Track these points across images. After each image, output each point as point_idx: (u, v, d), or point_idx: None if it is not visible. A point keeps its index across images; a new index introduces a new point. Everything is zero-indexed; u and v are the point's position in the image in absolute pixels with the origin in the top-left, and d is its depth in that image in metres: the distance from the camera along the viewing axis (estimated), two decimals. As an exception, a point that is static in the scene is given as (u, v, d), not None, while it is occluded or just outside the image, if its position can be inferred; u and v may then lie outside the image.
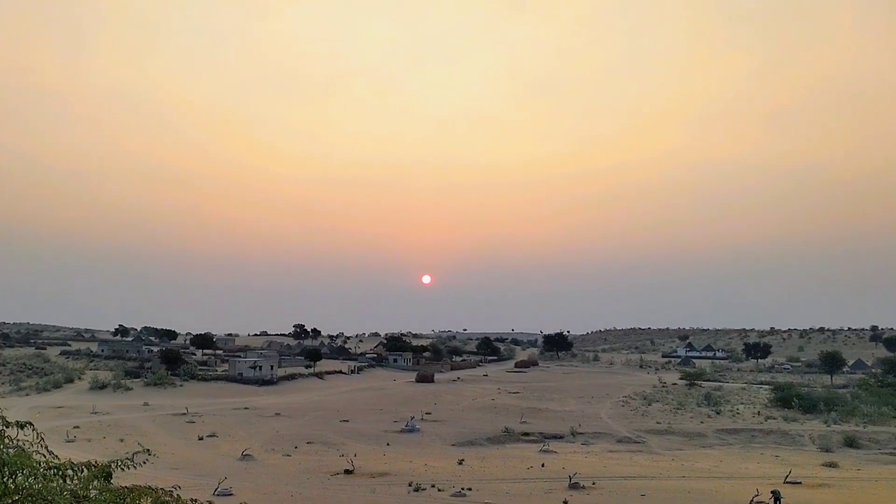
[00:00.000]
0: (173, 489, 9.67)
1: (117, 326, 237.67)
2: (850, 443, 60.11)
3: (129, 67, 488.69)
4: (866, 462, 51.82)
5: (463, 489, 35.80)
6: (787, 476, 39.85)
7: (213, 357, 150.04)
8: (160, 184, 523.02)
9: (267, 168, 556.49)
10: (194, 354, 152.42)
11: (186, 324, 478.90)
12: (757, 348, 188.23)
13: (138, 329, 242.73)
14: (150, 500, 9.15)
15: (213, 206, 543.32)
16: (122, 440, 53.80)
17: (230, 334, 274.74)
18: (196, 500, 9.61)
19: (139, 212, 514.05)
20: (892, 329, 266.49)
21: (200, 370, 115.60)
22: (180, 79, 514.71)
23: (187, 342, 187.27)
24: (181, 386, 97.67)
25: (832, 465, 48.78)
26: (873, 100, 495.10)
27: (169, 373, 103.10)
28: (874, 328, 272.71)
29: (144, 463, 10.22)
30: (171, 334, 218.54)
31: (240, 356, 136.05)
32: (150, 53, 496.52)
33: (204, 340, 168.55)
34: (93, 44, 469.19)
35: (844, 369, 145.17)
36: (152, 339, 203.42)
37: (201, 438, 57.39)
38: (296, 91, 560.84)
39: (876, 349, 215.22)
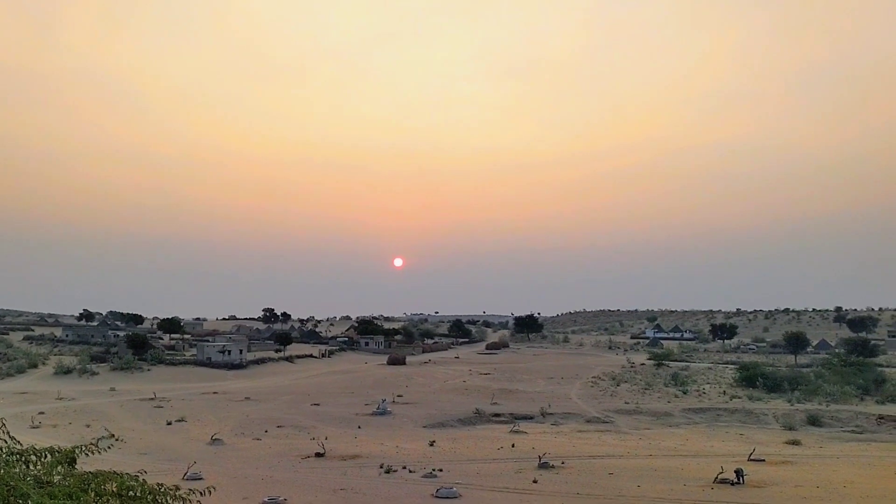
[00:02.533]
0: (139, 474, 9.57)
1: (82, 311, 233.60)
2: (813, 421, 61.63)
3: (97, 48, 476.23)
4: (828, 440, 53.16)
5: (434, 470, 35.98)
6: (751, 454, 40.74)
7: (180, 342, 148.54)
8: (126, 165, 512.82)
9: (236, 149, 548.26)
10: (161, 339, 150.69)
11: (153, 308, 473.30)
12: (723, 329, 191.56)
13: (104, 314, 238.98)
14: (115, 484, 9.05)
15: (180, 188, 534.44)
16: (88, 426, 53.09)
17: (198, 319, 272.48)
18: (162, 485, 9.50)
19: (105, 194, 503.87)
20: (855, 310, 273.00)
21: (168, 355, 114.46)
22: (148, 59, 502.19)
23: (154, 327, 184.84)
24: (148, 371, 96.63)
25: (795, 442, 49.96)
26: (850, 85, 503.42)
27: (136, 358, 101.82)
28: (838, 309, 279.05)
29: (110, 448, 10.09)
30: (138, 319, 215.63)
31: (208, 340, 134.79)
32: (120, 34, 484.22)
33: (171, 325, 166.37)
34: (61, 23, 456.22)
35: (808, 349, 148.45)
36: (118, 323, 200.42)
37: (170, 423, 56.88)
38: (266, 71, 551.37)
39: (839, 330, 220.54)
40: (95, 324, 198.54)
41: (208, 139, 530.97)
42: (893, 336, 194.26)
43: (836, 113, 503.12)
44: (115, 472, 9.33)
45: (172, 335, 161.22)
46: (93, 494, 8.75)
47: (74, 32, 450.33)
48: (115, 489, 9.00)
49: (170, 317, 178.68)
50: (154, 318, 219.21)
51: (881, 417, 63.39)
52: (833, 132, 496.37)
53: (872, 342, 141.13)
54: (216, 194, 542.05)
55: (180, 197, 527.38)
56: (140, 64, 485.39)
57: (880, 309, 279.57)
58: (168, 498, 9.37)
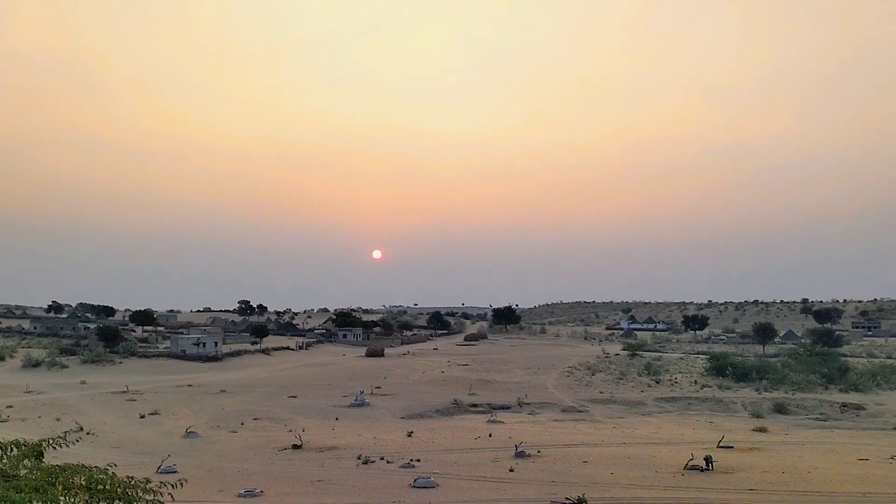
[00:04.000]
0: (108, 467, 9.56)
1: (51, 303, 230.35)
2: (780, 409, 62.86)
3: (58, 32, 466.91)
4: (794, 427, 54.33)
5: (412, 460, 36.20)
6: (721, 441, 41.50)
7: (153, 334, 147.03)
8: (95, 156, 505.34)
9: (208, 141, 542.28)
10: (134, 331, 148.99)
11: (125, 300, 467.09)
12: (695, 320, 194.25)
13: (73, 305, 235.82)
14: (83, 478, 9.03)
15: (150, 179, 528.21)
16: (58, 419, 52.46)
17: (172, 311, 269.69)
18: (132, 478, 9.51)
19: (72, 184, 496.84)
20: (821, 302, 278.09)
21: (141, 347, 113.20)
22: (112, 46, 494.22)
23: (126, 319, 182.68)
24: (120, 363, 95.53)
25: (762, 430, 50.96)
26: (815, 82, 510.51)
27: (107, 350, 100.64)
28: (805, 301, 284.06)
29: (79, 441, 10.08)
30: (109, 311, 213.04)
31: (182, 333, 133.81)
32: (81, 18, 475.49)
33: (144, 317, 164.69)
34: (16, 6, 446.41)
35: (776, 340, 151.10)
36: (88, 315, 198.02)
37: (143, 416, 56.40)
38: (237, 59, 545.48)
39: (806, 321, 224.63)
40: (65, 316, 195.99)
41: (178, 129, 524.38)
42: (857, 327, 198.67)
43: (806, 110, 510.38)
44: (83, 466, 9.30)
45: (145, 327, 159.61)
46: (60, 488, 8.70)
47: (34, 16, 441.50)
48: (83, 482, 8.98)
49: (142, 309, 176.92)
50: (126, 310, 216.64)
51: (844, 405, 64.87)
52: (803, 129, 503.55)
53: (837, 333, 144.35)
54: (189, 185, 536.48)
55: (152, 188, 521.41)
56: (104, 50, 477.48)
57: (845, 301, 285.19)
58: (138, 491, 9.35)
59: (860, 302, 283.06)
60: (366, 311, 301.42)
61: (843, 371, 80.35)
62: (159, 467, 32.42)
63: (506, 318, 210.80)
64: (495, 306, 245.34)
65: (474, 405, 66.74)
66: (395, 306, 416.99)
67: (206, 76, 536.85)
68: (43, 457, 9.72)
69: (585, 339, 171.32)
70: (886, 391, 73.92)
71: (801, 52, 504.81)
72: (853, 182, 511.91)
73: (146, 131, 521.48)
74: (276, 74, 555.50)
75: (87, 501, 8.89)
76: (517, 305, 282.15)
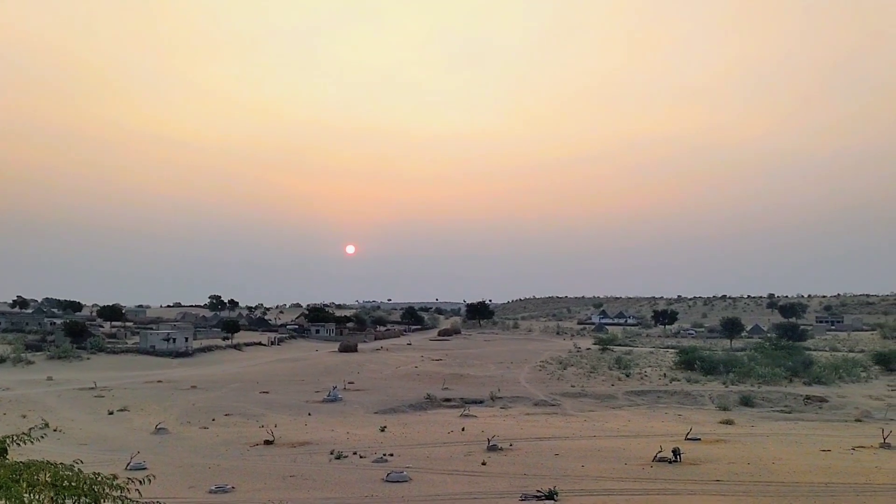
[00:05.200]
0: (74, 463, 9.46)
1: (15, 297, 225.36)
2: (746, 402, 63.88)
3: (26, 24, 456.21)
4: (759, 419, 55.36)
5: (385, 455, 36.26)
6: (688, 433, 42.13)
7: (122, 329, 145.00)
8: (60, 149, 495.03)
9: (177, 134, 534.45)
10: (102, 327, 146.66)
11: (92, 295, 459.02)
12: (665, 315, 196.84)
13: (39, 300, 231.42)
14: (48, 474, 8.93)
15: (118, 173, 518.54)
16: (24, 416, 51.55)
17: (141, 306, 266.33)
18: (99, 474, 9.42)
19: (38, 177, 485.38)
20: (786, 297, 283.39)
21: (109, 343, 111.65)
22: (80, 39, 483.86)
23: (94, 314, 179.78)
24: (88, 359, 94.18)
25: (729, 422, 51.80)
26: (785, 82, 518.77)
27: (74, 346, 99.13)
28: (771, 296, 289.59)
29: (44, 437, 9.96)
30: (76, 306, 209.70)
31: (152, 328, 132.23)
32: (50, 11, 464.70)
33: (112, 312, 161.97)
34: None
35: (743, 334, 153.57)
36: (55, 310, 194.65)
37: (111, 413, 55.68)
38: (207, 53, 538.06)
39: (772, 315, 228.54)
40: (30, 311, 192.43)
41: (146, 124, 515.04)
42: (821, 321, 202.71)
43: (776, 112, 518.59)
44: (48, 462, 9.20)
45: (113, 323, 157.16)
46: (25, 485, 8.61)
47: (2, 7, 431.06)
48: (48, 479, 8.88)
49: (110, 304, 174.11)
50: (93, 306, 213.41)
51: (808, 398, 66.15)
52: (771, 130, 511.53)
53: (802, 327, 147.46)
54: (158, 179, 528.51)
55: (120, 182, 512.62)
56: (72, 42, 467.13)
57: (809, 296, 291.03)
58: (105, 487, 9.27)
59: (824, 297, 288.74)
60: (339, 307, 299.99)
61: (807, 364, 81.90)
62: (128, 464, 32.07)
63: (479, 313, 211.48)
64: (469, 301, 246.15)
65: (447, 400, 66.94)
66: (369, 301, 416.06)
67: (176, 70, 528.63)
68: (7, 454, 9.58)
69: (557, 333, 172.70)
70: (848, 384, 75.50)
71: (775, 56, 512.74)
72: (819, 182, 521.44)
73: (113, 125, 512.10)
74: (248, 68, 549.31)
75: (52, 498, 8.80)
76: (490, 301, 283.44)
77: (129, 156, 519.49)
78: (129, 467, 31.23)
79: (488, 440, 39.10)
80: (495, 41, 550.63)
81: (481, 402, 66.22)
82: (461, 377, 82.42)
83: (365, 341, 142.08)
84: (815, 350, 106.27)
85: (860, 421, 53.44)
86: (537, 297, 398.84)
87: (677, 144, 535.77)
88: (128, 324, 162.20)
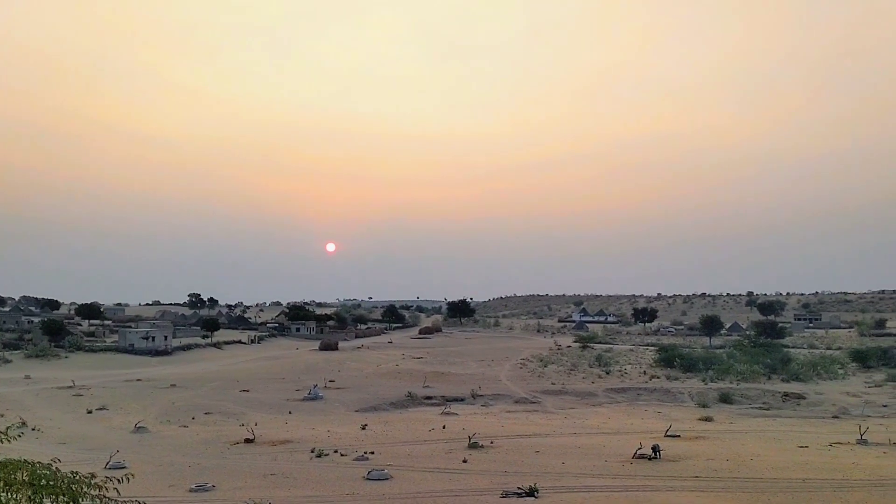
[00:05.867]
0: (52, 462, 9.37)
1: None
2: (725, 399, 64.53)
3: None
4: (738, 416, 55.87)
5: (365, 453, 36.18)
6: (668, 430, 42.41)
7: (100, 328, 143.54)
8: (35, 145, 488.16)
9: (154, 131, 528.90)
10: (80, 325, 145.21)
11: (70, 293, 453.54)
12: (644, 313, 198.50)
13: (16, 299, 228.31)
14: (26, 473, 8.83)
15: (96, 170, 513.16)
16: (1, 415, 50.78)
17: (119, 304, 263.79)
18: (77, 473, 9.34)
19: (13, 174, 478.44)
20: (765, 295, 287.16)
21: (87, 341, 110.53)
22: (49, 32, 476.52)
23: (72, 312, 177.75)
24: (66, 358, 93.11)
25: (708, 419, 52.21)
26: (767, 87, 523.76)
27: (52, 344, 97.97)
28: (750, 294, 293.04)
29: (21, 436, 9.84)
30: (54, 304, 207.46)
31: (131, 326, 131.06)
32: (18, 2, 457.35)
33: (90, 310, 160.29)
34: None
35: (722, 331, 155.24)
36: (32, 309, 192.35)
37: (90, 412, 55.07)
38: (183, 48, 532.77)
39: (751, 313, 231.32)
40: (7, 309, 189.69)
41: (120, 119, 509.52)
42: (799, 319, 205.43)
43: (751, 107, 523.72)
44: (25, 461, 9.11)
45: (92, 321, 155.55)
46: (2, 484, 8.53)
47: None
48: (25, 478, 8.79)
49: (88, 302, 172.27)
50: (72, 304, 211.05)
51: (786, 395, 66.98)
52: (747, 126, 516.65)
53: (780, 325, 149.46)
54: (137, 177, 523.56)
55: (98, 179, 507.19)
56: (40, 35, 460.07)
57: (788, 294, 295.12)
58: (83, 486, 9.21)
59: (802, 295, 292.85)
60: (319, 305, 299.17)
61: (785, 362, 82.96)
62: (107, 463, 31.74)
63: (460, 311, 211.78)
64: (450, 300, 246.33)
65: (428, 397, 66.96)
66: (350, 300, 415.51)
67: (152, 66, 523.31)
68: (-18, 453, 9.47)
69: (538, 331, 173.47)
70: (826, 381, 76.59)
71: (758, 61, 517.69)
72: (798, 183, 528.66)
73: (89, 122, 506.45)
74: (225, 64, 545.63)
75: (30, 497, 8.71)
76: (472, 299, 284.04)
77: (105, 153, 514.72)
78: (108, 466, 30.90)
79: (469, 438, 39.13)
80: (479, 38, 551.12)
81: (462, 399, 66.33)
82: (442, 375, 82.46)
83: (346, 339, 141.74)
84: (793, 347, 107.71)
85: (837, 418, 53.97)
86: (518, 295, 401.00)
87: (657, 146, 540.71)
88: (106, 322, 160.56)
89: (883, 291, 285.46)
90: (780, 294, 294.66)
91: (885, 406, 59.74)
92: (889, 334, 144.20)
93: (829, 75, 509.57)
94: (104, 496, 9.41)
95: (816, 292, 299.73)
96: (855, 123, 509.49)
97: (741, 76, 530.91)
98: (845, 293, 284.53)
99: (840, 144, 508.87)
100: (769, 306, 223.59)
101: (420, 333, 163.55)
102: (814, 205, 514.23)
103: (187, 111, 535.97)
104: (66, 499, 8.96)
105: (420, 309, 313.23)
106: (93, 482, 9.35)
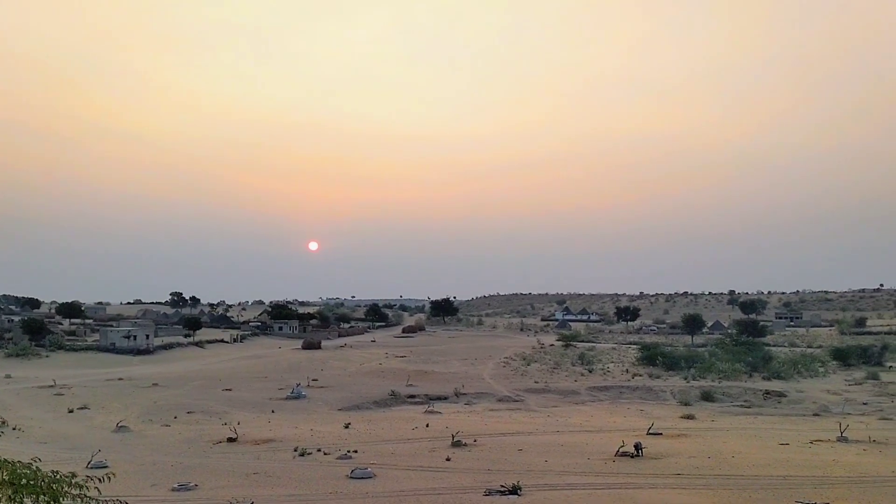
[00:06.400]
0: (32, 462, 9.30)
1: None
2: (707, 397, 65.01)
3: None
4: (720, 414, 56.35)
5: (349, 452, 36.13)
6: (650, 428, 42.74)
7: (81, 327, 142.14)
8: (14, 141, 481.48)
9: (136, 129, 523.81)
10: (60, 324, 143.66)
11: (51, 292, 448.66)
12: (627, 311, 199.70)
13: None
14: (6, 473, 8.76)
15: (76, 167, 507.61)
16: (-20, 416, 50.24)
17: (101, 303, 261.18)
18: (57, 472, 9.28)
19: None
20: (747, 293, 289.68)
21: (68, 340, 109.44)
22: (31, 28, 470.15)
23: (52, 311, 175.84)
24: (47, 357, 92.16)
25: (690, 417, 52.51)
26: (748, 87, 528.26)
27: (33, 343, 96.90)
28: (731, 292, 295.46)
29: (1, 435, 9.76)
30: (34, 303, 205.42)
31: (112, 325, 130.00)
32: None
33: (71, 309, 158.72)
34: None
35: (704, 330, 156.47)
36: (12, 307, 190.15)
37: (71, 411, 54.52)
38: (169, 43, 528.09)
39: (732, 311, 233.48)
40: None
41: (101, 116, 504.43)
42: (780, 317, 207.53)
43: (743, 113, 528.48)
44: (5, 460, 9.04)
45: (73, 320, 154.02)
46: (-18, 483, 8.48)
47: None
48: (5, 477, 8.72)
49: (69, 301, 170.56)
50: (52, 303, 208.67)
51: (767, 392, 67.56)
52: (728, 124, 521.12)
53: (761, 323, 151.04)
54: (119, 175, 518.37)
55: (79, 177, 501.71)
56: (15, 28, 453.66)
57: (769, 292, 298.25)
58: (64, 485, 9.15)
59: (783, 294, 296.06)
60: (302, 304, 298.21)
61: (766, 360, 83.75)
62: (89, 462, 31.46)
63: (444, 310, 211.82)
64: (433, 298, 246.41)
65: (412, 396, 66.96)
66: (332, 298, 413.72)
67: (135, 64, 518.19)
68: (-40, 452, 9.37)
69: (521, 330, 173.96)
70: (806, 379, 77.46)
71: (740, 62, 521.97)
72: (779, 182, 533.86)
73: (69, 119, 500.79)
74: (207, 62, 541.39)
75: (10, 497, 8.65)
76: (455, 297, 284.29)
77: (85, 151, 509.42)
78: (89, 465, 30.64)
79: (452, 436, 39.18)
80: (463, 38, 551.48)
81: (445, 398, 66.40)
82: (425, 374, 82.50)
83: (329, 338, 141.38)
84: (774, 346, 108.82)
85: (818, 415, 54.41)
86: (501, 294, 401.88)
87: (639, 146, 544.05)
88: (87, 321, 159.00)
89: (863, 290, 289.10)
90: (762, 293, 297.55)
91: (865, 404, 60.37)
92: (869, 332, 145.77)
93: (811, 78, 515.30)
94: (85, 495, 9.35)
95: (797, 291, 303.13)
96: (836, 125, 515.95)
97: (725, 78, 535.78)
98: (826, 292, 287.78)
99: (820, 146, 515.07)
100: (751, 305, 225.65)
101: (403, 332, 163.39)
102: (795, 205, 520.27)
103: (169, 110, 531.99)
104: (46, 498, 8.90)
105: (403, 308, 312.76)
106: (74, 481, 9.29)
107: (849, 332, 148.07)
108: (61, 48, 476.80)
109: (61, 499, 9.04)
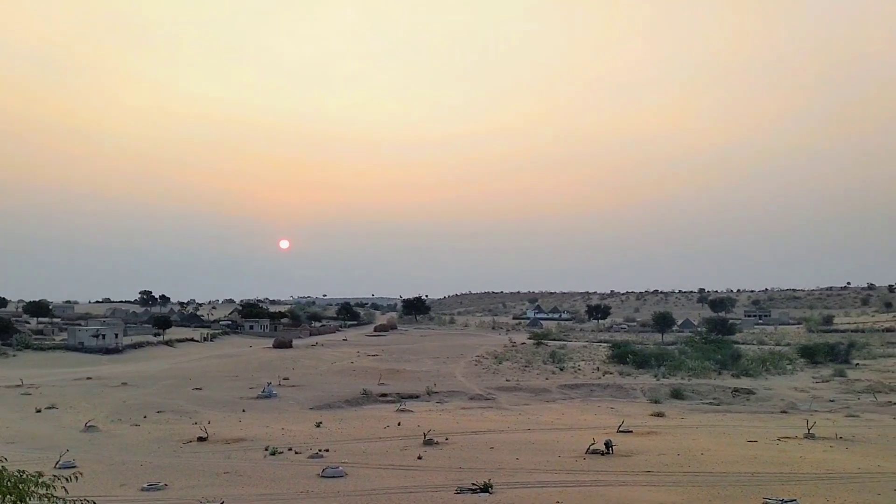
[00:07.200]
0: (-2, 461, 9.23)
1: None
2: (676, 394, 65.68)
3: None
4: (689, 411, 57.06)
5: (320, 451, 36.03)
6: (620, 426, 43.16)
7: (49, 326, 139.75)
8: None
9: (101, 121, 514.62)
10: (28, 323, 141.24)
11: (17, 290, 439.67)
12: (598, 310, 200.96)
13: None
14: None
15: (41, 165, 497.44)
16: (-54, 415, 49.24)
17: (69, 301, 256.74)
18: (24, 471, 9.21)
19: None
20: (716, 291, 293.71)
21: (36, 340, 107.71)
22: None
23: (19, 310, 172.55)
24: (14, 356, 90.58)
25: (660, 414, 53.05)
26: (713, 81, 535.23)
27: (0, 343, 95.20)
28: (701, 291, 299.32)
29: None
30: (1, 301, 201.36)
31: (80, 324, 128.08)
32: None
33: (38, 308, 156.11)
34: None
35: (674, 328, 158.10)
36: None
37: (39, 411, 53.65)
38: (135, 37, 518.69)
39: (702, 310, 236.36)
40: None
41: (68, 114, 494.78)
42: (749, 315, 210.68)
43: (710, 109, 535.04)
44: (-31, 460, 8.97)
45: (40, 319, 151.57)
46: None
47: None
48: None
49: (37, 300, 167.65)
50: (19, 301, 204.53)
51: (736, 390, 68.39)
52: (696, 124, 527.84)
53: (730, 321, 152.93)
54: (85, 172, 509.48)
55: (45, 174, 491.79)
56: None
57: (738, 290, 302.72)
58: (30, 485, 9.09)
59: (752, 292, 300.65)
60: (273, 302, 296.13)
61: (735, 358, 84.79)
62: (57, 462, 31.02)
63: (416, 308, 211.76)
64: (405, 297, 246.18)
65: (384, 395, 66.90)
66: (304, 297, 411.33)
67: (97, 58, 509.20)
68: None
69: (493, 328, 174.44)
70: (775, 376, 78.61)
71: (707, 56, 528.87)
72: (747, 180, 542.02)
73: (37, 117, 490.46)
74: (174, 57, 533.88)
75: (-24, 497, 8.58)
76: (427, 296, 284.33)
77: (52, 149, 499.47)
78: (58, 465, 30.19)
79: (424, 434, 39.26)
80: (427, 35, 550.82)
81: (417, 397, 66.45)
82: (397, 372, 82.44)
83: (300, 337, 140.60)
84: (743, 344, 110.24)
85: (786, 412, 55.11)
86: (473, 292, 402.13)
87: (608, 142, 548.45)
88: (55, 320, 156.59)
89: (830, 288, 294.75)
90: (731, 291, 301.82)
91: (831, 401, 61.22)
92: (836, 330, 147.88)
93: (782, 81, 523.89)
94: (52, 495, 9.29)
95: (766, 289, 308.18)
96: (804, 127, 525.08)
97: (697, 80, 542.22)
98: (794, 290, 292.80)
99: (788, 147, 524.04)
100: (720, 303, 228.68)
101: (375, 331, 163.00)
102: (764, 204, 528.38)
103: (138, 108, 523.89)
104: (13, 498, 8.84)
105: (375, 306, 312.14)
106: (40, 481, 9.23)
107: (816, 330, 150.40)
108: (25, 44, 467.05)
109: (28, 499, 8.97)
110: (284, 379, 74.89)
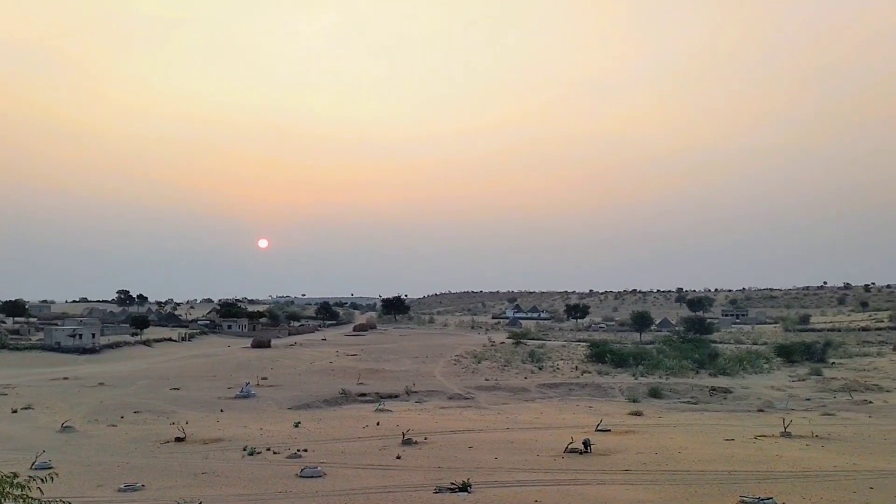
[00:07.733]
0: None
1: None
2: (654, 393, 66.22)
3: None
4: (667, 410, 57.58)
5: (298, 451, 35.94)
6: (599, 424, 43.45)
7: (25, 325, 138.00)
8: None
9: (82, 118, 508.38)
10: (3, 323, 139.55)
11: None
12: (577, 309, 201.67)
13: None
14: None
15: (17, 161, 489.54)
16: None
17: (45, 301, 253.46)
18: (-3, 473, 9.16)
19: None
20: (694, 291, 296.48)
21: (11, 339, 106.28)
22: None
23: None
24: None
25: (638, 413, 53.41)
26: (694, 80, 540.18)
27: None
28: (679, 290, 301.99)
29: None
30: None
31: (57, 324, 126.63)
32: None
33: (14, 307, 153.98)
34: None
35: (652, 327, 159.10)
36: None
37: (15, 411, 52.97)
38: (113, 37, 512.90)
39: (680, 309, 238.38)
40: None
41: (45, 112, 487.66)
42: (727, 315, 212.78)
43: (688, 108, 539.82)
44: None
45: (16, 318, 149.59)
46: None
47: None
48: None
49: (13, 299, 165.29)
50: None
51: (713, 389, 69.05)
52: (672, 124, 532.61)
53: (708, 320, 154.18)
54: (62, 169, 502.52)
55: (20, 171, 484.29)
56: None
57: (716, 290, 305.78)
58: (5, 486, 9.04)
59: (730, 291, 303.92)
60: (251, 302, 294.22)
61: (712, 357, 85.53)
62: (33, 463, 30.69)
63: (395, 308, 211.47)
64: (384, 296, 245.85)
65: (362, 394, 66.83)
66: (282, 296, 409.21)
67: (79, 54, 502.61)
68: None
69: (472, 328, 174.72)
70: (752, 375, 79.42)
71: (678, 55, 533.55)
72: (725, 179, 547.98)
73: (12, 113, 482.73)
74: (154, 55, 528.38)
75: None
76: (406, 296, 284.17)
77: (29, 146, 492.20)
78: (33, 466, 29.86)
79: (403, 434, 39.29)
80: (409, 32, 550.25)
81: (396, 396, 66.45)
82: (376, 372, 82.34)
83: (278, 337, 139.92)
84: (720, 343, 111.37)
85: (762, 411, 55.70)
86: (452, 292, 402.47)
87: (586, 142, 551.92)
88: (31, 319, 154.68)
89: (807, 287, 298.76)
90: (709, 290, 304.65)
91: (808, 399, 62.05)
92: (812, 329, 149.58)
93: (760, 79, 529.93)
94: (27, 496, 9.25)
95: (743, 289, 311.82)
96: (781, 126, 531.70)
97: (668, 76, 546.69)
98: (771, 290, 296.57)
99: (765, 147, 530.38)
100: (698, 302, 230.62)
101: (354, 330, 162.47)
102: (741, 204, 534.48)
103: (116, 105, 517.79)
104: (-13, 498, 8.80)
105: (354, 306, 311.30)
106: (15, 482, 9.18)
107: (793, 329, 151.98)
108: (8, 42, 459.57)
109: (3, 500, 8.92)
110: (263, 379, 74.49)
